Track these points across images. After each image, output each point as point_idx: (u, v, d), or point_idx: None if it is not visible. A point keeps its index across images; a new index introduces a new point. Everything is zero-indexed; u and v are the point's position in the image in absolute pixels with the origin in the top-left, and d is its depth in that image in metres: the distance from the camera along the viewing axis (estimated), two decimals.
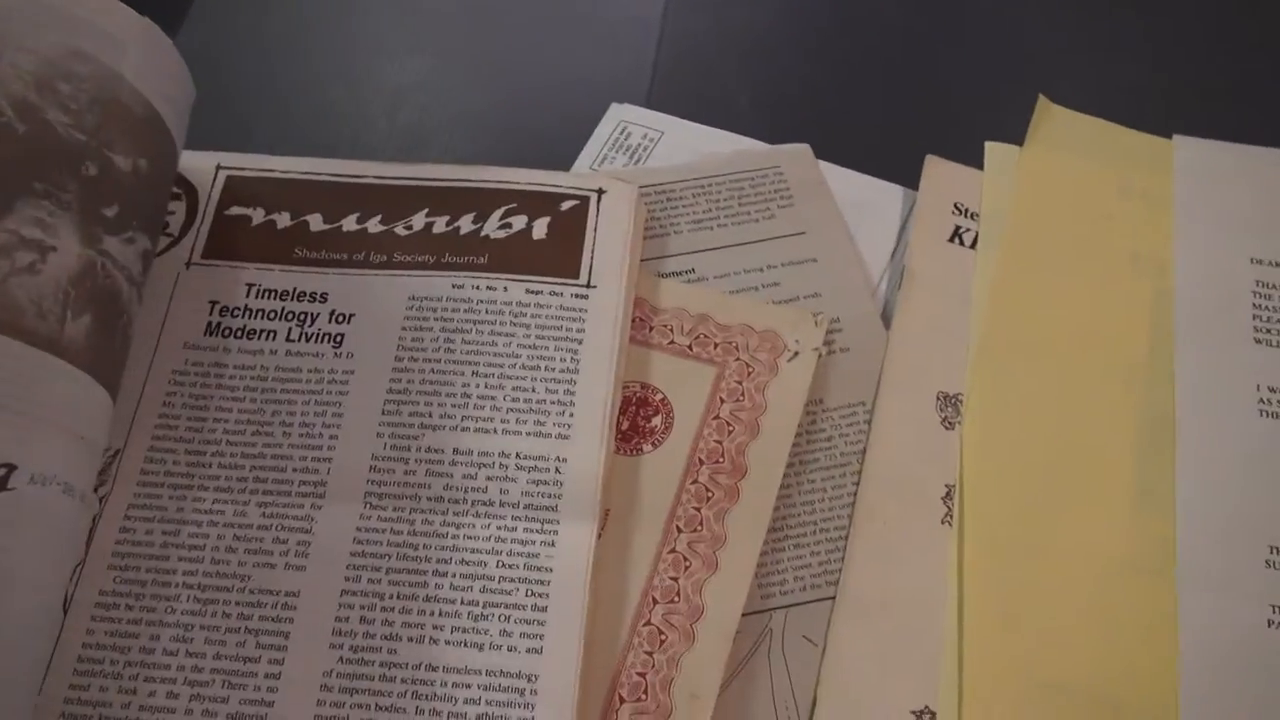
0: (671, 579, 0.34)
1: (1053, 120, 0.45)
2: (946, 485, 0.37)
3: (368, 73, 0.49)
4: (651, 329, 0.39)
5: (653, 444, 0.37)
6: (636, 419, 0.37)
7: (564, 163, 0.45)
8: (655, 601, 0.34)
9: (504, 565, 0.33)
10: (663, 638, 0.33)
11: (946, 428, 0.38)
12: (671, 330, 0.39)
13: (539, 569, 0.33)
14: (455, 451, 0.35)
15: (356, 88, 0.49)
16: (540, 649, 0.32)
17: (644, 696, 0.32)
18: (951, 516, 0.36)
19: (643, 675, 0.33)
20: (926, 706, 0.33)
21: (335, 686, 0.31)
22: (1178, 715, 0.33)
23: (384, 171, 0.41)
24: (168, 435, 0.35)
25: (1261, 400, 0.38)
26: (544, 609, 0.32)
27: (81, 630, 0.32)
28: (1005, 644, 0.34)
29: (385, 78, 0.49)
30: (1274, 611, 0.35)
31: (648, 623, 0.34)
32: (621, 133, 0.46)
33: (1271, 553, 0.35)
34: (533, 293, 0.38)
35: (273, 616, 0.32)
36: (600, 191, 0.40)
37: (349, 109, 0.48)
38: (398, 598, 0.33)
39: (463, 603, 0.33)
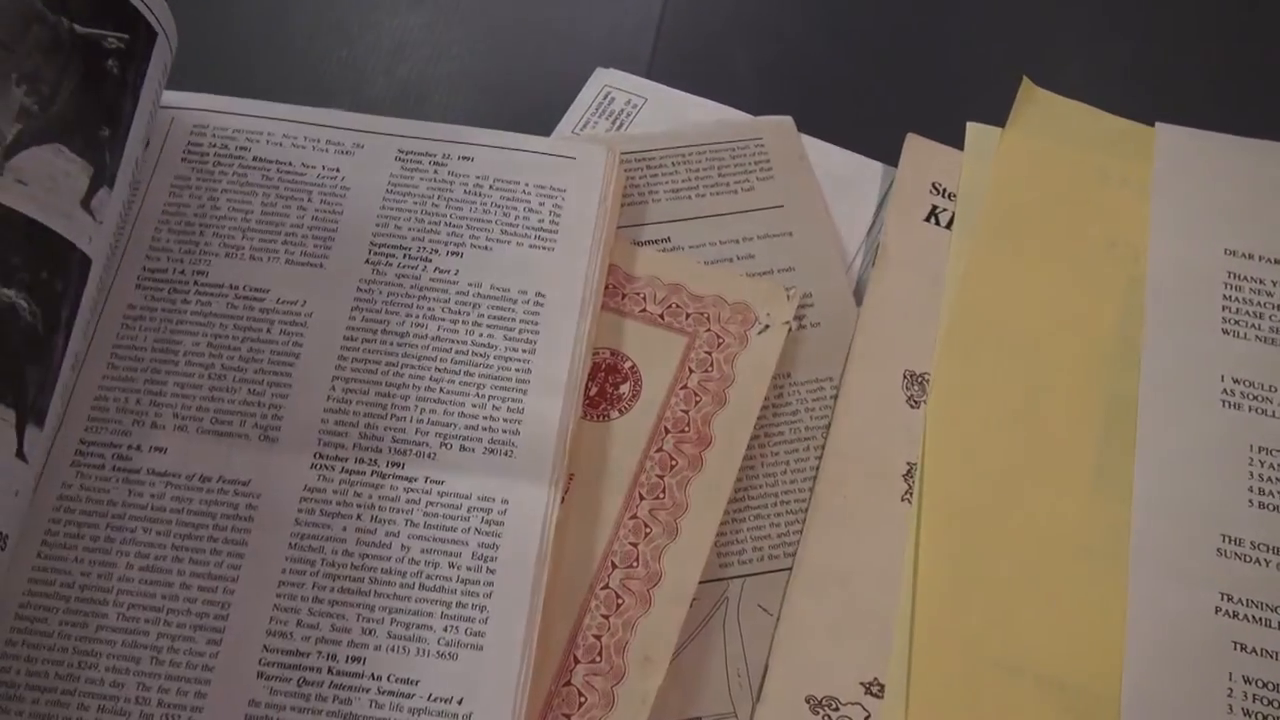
0: (631, 544, 0.35)
1: (1036, 103, 0.45)
2: (908, 463, 0.37)
3: (367, 26, 0.49)
4: (624, 296, 0.39)
5: (620, 411, 0.37)
6: (605, 385, 0.38)
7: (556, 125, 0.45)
8: (614, 566, 0.34)
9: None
10: (620, 601, 0.34)
11: (911, 406, 0.39)
12: (644, 299, 0.39)
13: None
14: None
15: (356, 41, 0.48)
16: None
17: (599, 658, 0.33)
18: (911, 494, 0.37)
19: (598, 637, 0.33)
20: (875, 678, 0.34)
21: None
22: (1120, 700, 0.34)
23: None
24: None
25: (1225, 390, 0.39)
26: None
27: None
28: (956, 621, 0.35)
29: (385, 32, 0.49)
30: (1223, 599, 0.35)
31: (605, 586, 0.34)
32: (605, 98, 0.46)
33: (1224, 541, 0.36)
34: None
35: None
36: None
37: (348, 63, 0.48)
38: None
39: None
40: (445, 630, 0.32)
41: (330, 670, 0.31)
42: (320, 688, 0.31)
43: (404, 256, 0.38)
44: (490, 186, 0.40)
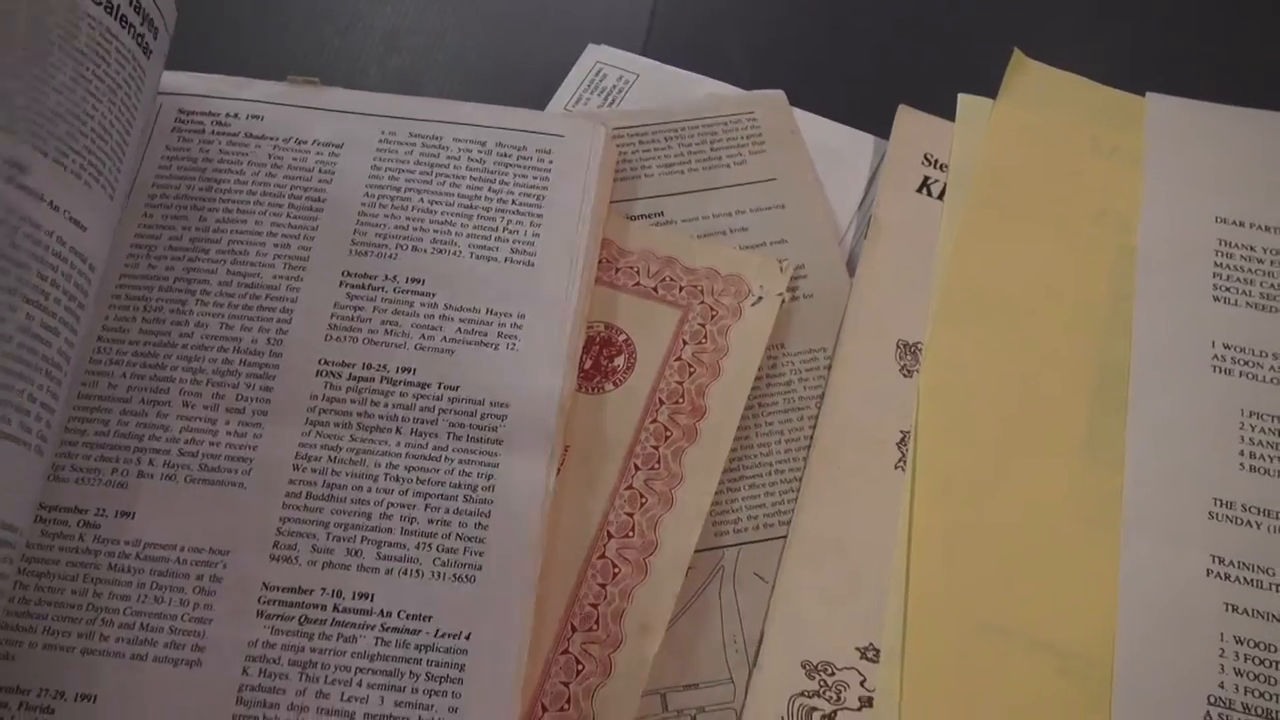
0: (627, 514, 0.35)
1: (1027, 74, 0.46)
2: (901, 431, 0.38)
3: (359, 15, 0.49)
4: (618, 270, 0.40)
5: (615, 383, 0.38)
6: (600, 358, 0.38)
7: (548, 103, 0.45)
8: (610, 535, 0.35)
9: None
10: (616, 571, 0.34)
11: (904, 375, 0.39)
12: (638, 272, 0.40)
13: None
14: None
15: (348, 31, 0.48)
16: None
17: (595, 626, 0.33)
18: (905, 462, 0.37)
19: (595, 606, 0.34)
20: (871, 644, 0.34)
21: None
22: (1113, 662, 0.34)
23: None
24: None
25: (1216, 356, 0.39)
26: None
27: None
28: (950, 586, 0.35)
29: (377, 20, 0.49)
30: (1214, 561, 0.35)
31: (602, 556, 0.34)
32: (596, 74, 0.46)
33: (1215, 504, 0.36)
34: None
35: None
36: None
37: (340, 52, 0.48)
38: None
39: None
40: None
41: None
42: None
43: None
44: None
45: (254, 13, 0.49)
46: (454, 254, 0.38)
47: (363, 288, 0.37)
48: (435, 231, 0.38)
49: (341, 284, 0.37)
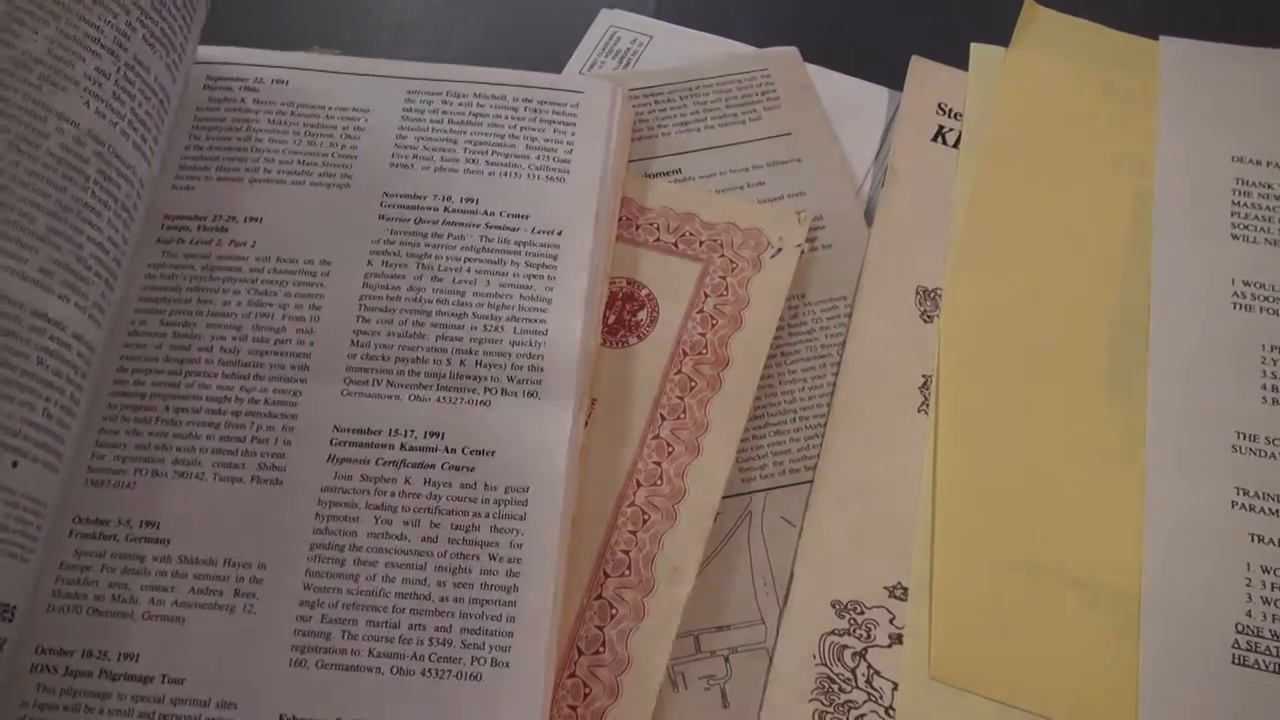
0: (655, 463, 0.36)
1: (1039, 22, 0.46)
2: (923, 375, 0.38)
3: (369, 9, 0.49)
4: (638, 227, 0.40)
5: (638, 337, 0.38)
6: (623, 313, 0.38)
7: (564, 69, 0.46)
8: (639, 484, 0.35)
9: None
10: (646, 517, 0.35)
11: (925, 321, 0.39)
12: (658, 228, 0.40)
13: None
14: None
15: (358, 24, 0.49)
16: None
17: (628, 572, 0.34)
18: (927, 405, 0.38)
19: (626, 552, 0.34)
20: (899, 582, 0.35)
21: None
22: (1140, 594, 0.34)
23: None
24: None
25: (1236, 293, 0.39)
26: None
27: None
28: (976, 525, 0.35)
29: (389, 13, 0.49)
30: (1238, 493, 0.36)
31: (631, 504, 0.35)
32: (611, 37, 0.46)
33: (1239, 438, 0.37)
34: None
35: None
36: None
37: (350, 46, 0.48)
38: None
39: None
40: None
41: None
42: None
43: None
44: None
45: (263, 7, 0.49)
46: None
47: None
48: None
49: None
